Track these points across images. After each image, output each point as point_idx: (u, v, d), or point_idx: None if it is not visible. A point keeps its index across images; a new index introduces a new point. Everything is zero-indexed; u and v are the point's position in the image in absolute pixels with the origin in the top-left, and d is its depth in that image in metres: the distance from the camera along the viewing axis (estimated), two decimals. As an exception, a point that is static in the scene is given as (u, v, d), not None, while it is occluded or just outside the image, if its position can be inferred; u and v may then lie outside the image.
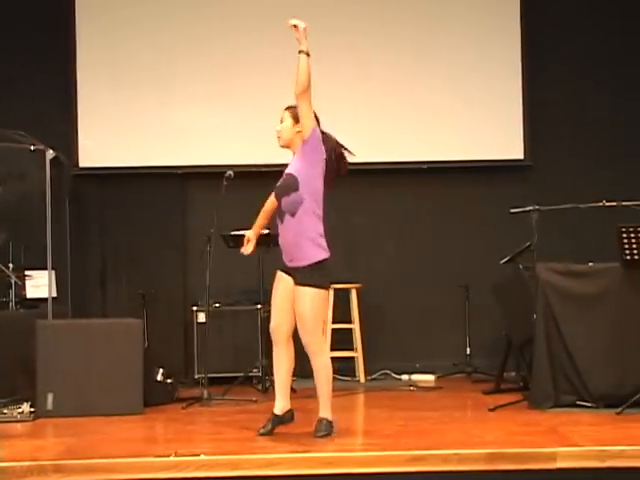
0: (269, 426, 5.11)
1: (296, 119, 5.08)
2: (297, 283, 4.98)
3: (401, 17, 8.09)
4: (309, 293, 4.95)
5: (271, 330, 5.15)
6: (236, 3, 8.08)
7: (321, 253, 4.98)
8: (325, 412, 5.06)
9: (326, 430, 5.01)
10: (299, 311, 4.98)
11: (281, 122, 5.14)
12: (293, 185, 4.97)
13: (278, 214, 5.07)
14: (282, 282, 5.08)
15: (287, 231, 5.01)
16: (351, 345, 7.70)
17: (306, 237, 4.96)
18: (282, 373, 5.13)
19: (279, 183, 5.09)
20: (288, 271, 5.04)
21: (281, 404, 5.14)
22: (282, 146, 5.15)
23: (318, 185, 5.01)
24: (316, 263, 4.95)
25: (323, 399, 5.07)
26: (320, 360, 5.05)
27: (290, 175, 5.02)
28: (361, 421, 6.03)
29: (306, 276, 4.95)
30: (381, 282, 7.98)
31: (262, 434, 5.08)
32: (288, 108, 5.16)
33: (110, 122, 7.98)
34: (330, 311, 7.59)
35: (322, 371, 5.07)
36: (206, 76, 8.00)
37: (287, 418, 5.15)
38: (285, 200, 5.00)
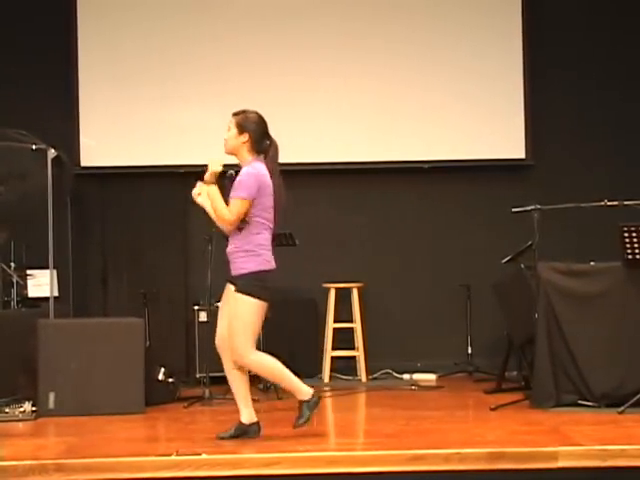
0: (232, 432, 5.00)
1: (240, 128, 5.01)
2: (236, 290, 4.91)
3: (402, 16, 8.09)
4: (244, 300, 4.87)
5: (217, 345, 5.04)
6: (238, 5, 8.08)
7: (260, 264, 4.91)
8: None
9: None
10: (231, 314, 4.91)
11: (228, 130, 5.05)
12: None
13: None
14: (227, 294, 5.03)
15: (231, 242, 4.97)
16: (352, 344, 7.70)
17: (244, 249, 4.92)
18: (240, 384, 5.04)
19: None
20: (231, 280, 4.99)
21: (246, 414, 5.04)
22: (227, 153, 5.06)
23: (268, 203, 4.95)
24: (254, 273, 4.89)
25: (288, 386, 5.03)
26: (248, 361, 4.95)
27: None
28: (362, 420, 6.03)
29: (245, 284, 4.88)
30: (383, 281, 7.98)
31: (221, 438, 4.97)
32: (235, 114, 5.06)
33: (112, 121, 7.99)
34: (331, 310, 7.61)
35: (258, 369, 5.01)
36: (208, 75, 8.01)
37: (253, 430, 5.03)
38: None
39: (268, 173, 4.98)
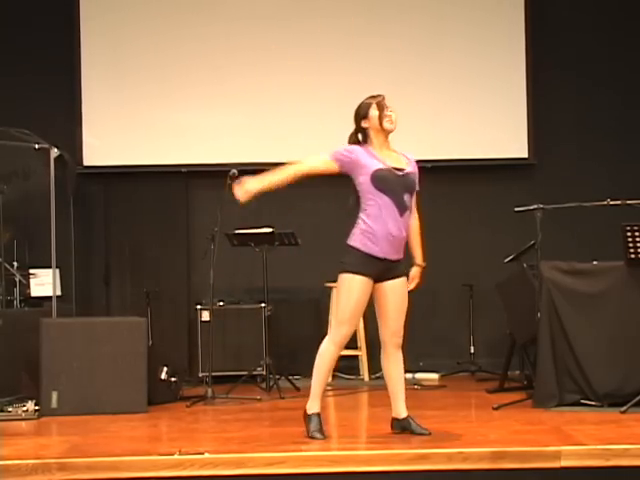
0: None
1: None
2: (400, 275, 4.86)
3: (405, 15, 8.09)
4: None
5: (348, 337, 4.86)
6: (239, 5, 8.08)
7: None
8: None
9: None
10: (405, 305, 4.88)
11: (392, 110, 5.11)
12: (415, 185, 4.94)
13: (400, 207, 4.81)
14: (369, 289, 4.84)
15: (406, 225, 4.87)
16: (355, 344, 7.68)
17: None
18: (329, 373, 4.97)
19: (404, 176, 4.87)
20: (396, 264, 4.86)
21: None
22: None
23: None
24: None
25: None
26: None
27: (414, 174, 4.95)
28: (365, 419, 6.03)
29: (403, 267, 4.92)
30: (385, 281, 7.96)
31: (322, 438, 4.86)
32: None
33: (114, 121, 7.99)
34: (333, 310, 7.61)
35: None
36: (210, 75, 8.01)
37: None
38: (410, 197, 4.88)
39: None
